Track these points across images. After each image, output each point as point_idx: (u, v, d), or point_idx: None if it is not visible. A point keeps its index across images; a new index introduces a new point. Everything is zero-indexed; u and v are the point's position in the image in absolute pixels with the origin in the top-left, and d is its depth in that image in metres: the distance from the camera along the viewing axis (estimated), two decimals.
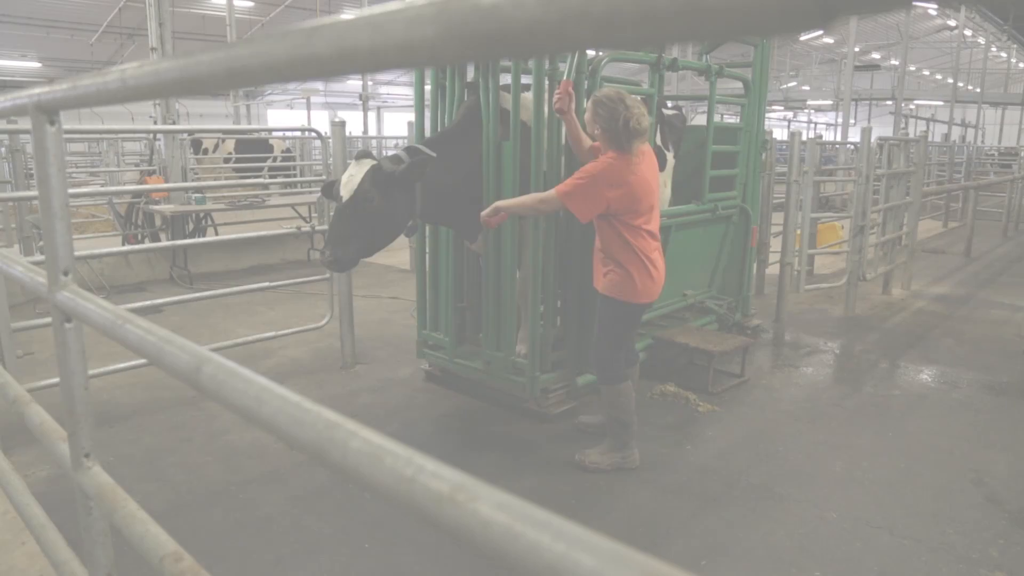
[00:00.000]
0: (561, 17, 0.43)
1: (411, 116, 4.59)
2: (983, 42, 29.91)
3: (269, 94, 33.16)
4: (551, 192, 3.47)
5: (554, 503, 3.32)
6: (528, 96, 3.97)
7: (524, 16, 0.45)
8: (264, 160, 12.89)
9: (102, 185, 11.04)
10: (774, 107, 35.62)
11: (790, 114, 38.67)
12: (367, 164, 3.66)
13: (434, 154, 3.77)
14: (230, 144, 12.31)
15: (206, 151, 12.60)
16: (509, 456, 3.82)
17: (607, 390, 3.65)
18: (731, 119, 8.54)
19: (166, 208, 7.88)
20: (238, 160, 12.16)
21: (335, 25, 0.62)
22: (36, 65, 25.82)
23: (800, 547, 3.00)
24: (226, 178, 11.68)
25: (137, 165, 13.19)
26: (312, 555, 2.90)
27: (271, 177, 12.54)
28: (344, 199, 3.61)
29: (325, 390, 4.74)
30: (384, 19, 0.56)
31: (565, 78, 4.04)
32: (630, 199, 3.38)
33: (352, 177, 3.62)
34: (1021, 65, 36.46)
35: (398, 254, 8.46)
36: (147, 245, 7.57)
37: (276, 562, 2.84)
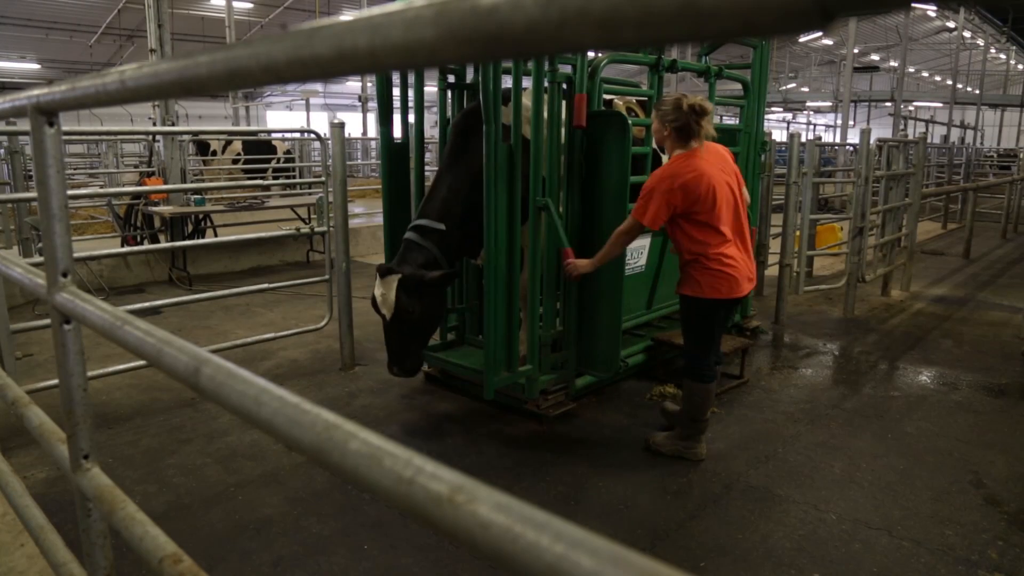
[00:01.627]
0: (560, 18, 0.43)
1: (411, 117, 4.57)
2: (982, 44, 29.97)
3: (268, 96, 33.18)
4: (627, 220, 3.63)
5: (553, 505, 3.32)
6: (528, 105, 3.97)
7: (523, 17, 0.45)
8: (268, 161, 12.91)
9: (101, 186, 11.03)
10: (773, 108, 35.67)
11: (789, 115, 38.71)
12: (394, 280, 3.78)
13: (442, 227, 3.95)
14: (238, 145, 12.33)
15: (214, 153, 12.61)
16: (508, 458, 3.81)
17: (687, 384, 3.76)
18: (730, 120, 8.53)
19: (165, 209, 7.88)
20: (245, 161, 12.19)
21: (334, 26, 0.62)
22: (35, 67, 25.84)
23: (799, 548, 3.00)
24: (233, 179, 11.69)
25: (136, 166, 13.20)
26: (312, 556, 2.90)
27: (274, 178, 12.56)
28: (388, 317, 3.82)
29: (324, 391, 4.74)
30: (383, 20, 0.56)
31: (578, 92, 4.05)
32: (689, 197, 3.44)
33: (385, 296, 3.79)
34: (1020, 67, 36.50)
35: None
36: (146, 247, 7.57)
37: (275, 563, 2.84)
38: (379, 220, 11.19)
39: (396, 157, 4.53)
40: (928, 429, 4.24)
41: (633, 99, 5.02)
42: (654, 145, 4.20)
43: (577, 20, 0.42)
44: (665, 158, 3.74)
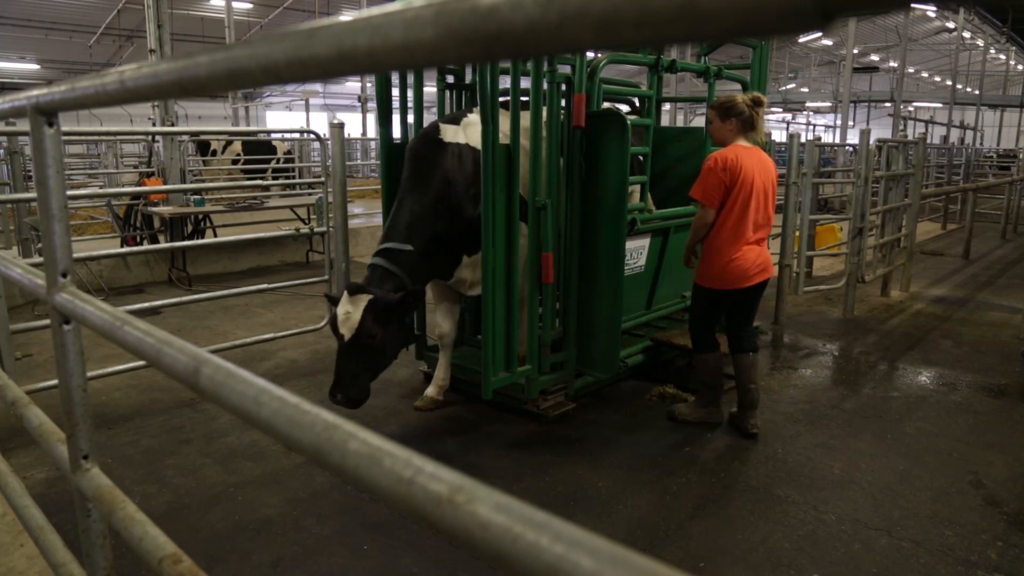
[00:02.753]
0: (560, 18, 0.43)
1: (411, 118, 4.57)
2: (982, 44, 29.98)
3: (268, 96, 33.18)
4: (696, 214, 3.96)
5: (552, 505, 3.32)
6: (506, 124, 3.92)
7: (523, 18, 0.45)
8: (268, 161, 12.91)
9: (101, 187, 11.03)
10: (773, 109, 35.67)
11: (789, 116, 38.72)
12: (363, 300, 3.60)
13: (411, 248, 3.83)
14: (238, 145, 12.33)
15: (215, 152, 12.61)
16: (507, 458, 3.81)
17: (695, 358, 4.23)
18: None
19: (164, 210, 7.88)
20: (245, 162, 12.19)
21: (334, 27, 0.62)
22: (35, 67, 25.84)
23: (799, 548, 3.00)
24: (233, 179, 11.69)
25: (136, 167, 13.20)
26: (311, 557, 2.89)
27: (274, 179, 12.56)
28: (347, 338, 3.61)
29: (324, 392, 4.71)
30: (383, 20, 0.56)
31: (577, 92, 4.06)
32: (725, 188, 3.80)
33: (350, 316, 3.60)
34: (1020, 67, 36.51)
35: None
36: (146, 247, 7.57)
37: (275, 564, 2.84)
38: (379, 220, 11.19)
39: (396, 157, 4.53)
40: (928, 430, 4.23)
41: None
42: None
43: (576, 20, 0.42)
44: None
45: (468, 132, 4.03)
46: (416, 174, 3.95)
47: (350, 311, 3.61)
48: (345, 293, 3.68)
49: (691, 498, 3.41)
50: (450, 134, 4.01)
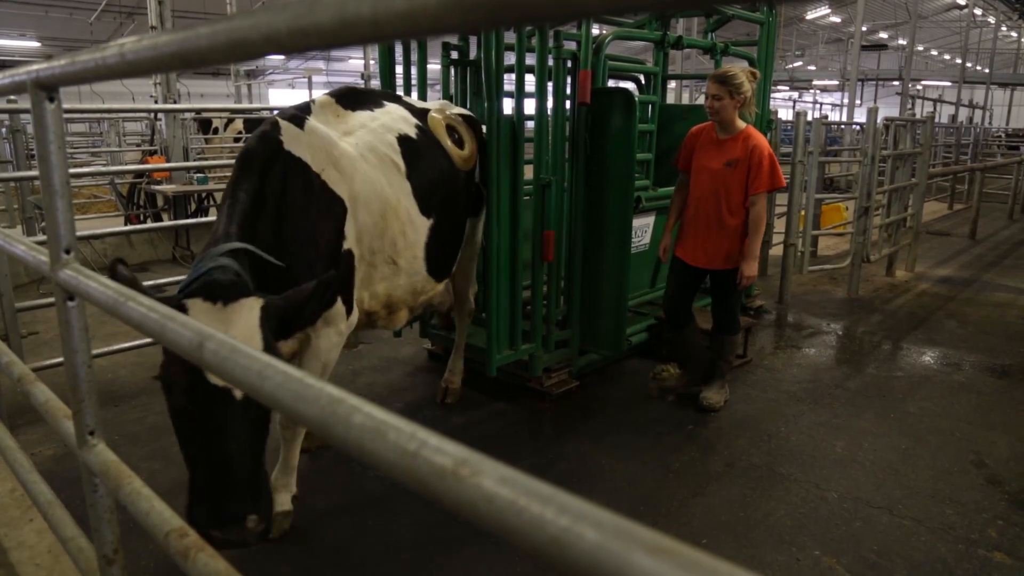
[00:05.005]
0: None
1: (414, 95, 4.53)
2: (993, 21, 29.57)
3: (270, 73, 32.99)
4: (757, 207, 3.78)
5: (556, 482, 3.33)
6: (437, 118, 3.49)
7: None
8: None
9: (104, 165, 11.01)
10: (779, 87, 35.34)
11: (795, 94, 38.37)
12: (250, 309, 2.10)
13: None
14: (240, 123, 12.27)
15: (216, 131, 12.56)
16: (511, 436, 3.83)
17: (728, 340, 4.15)
18: None
19: (168, 188, 7.87)
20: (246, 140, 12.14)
21: None
22: (35, 44, 25.68)
23: (800, 526, 3.01)
24: (235, 157, 11.64)
25: (139, 145, 13.16)
26: (314, 531, 2.92)
27: None
28: (237, 397, 1.99)
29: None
30: None
31: (583, 68, 4.01)
32: None
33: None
34: None
35: None
36: (149, 225, 7.56)
37: (280, 538, 2.87)
38: None
39: None
40: (930, 409, 4.24)
41: (456, 113, 3.74)
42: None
43: None
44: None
45: (310, 143, 2.77)
46: (243, 183, 2.60)
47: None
48: (197, 302, 2.10)
49: (694, 476, 3.42)
50: (290, 140, 2.73)
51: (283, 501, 2.88)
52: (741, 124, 3.80)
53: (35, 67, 1.34)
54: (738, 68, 3.78)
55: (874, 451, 3.69)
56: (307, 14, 0.63)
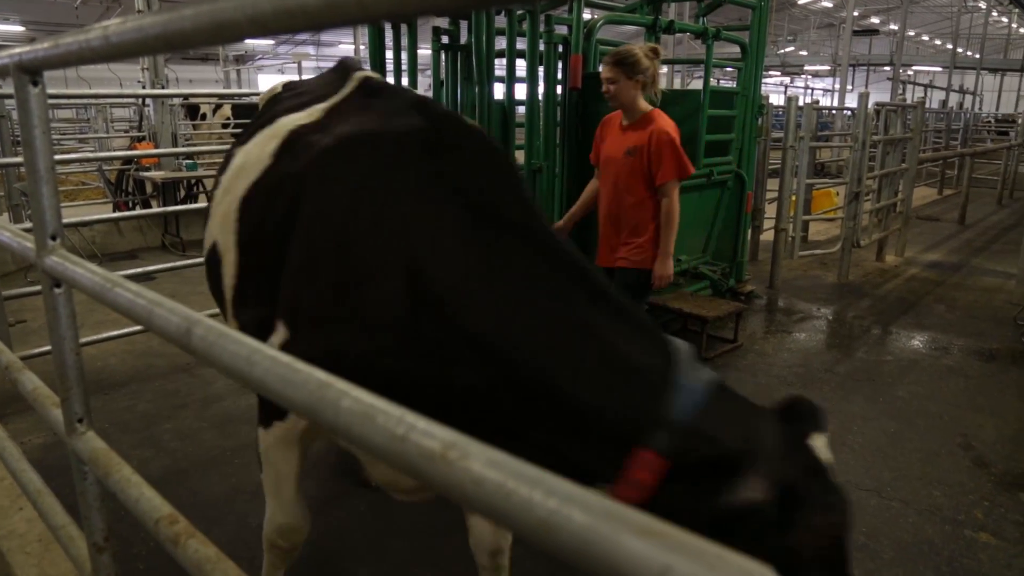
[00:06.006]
0: None
1: (404, 80, 4.50)
2: (984, 7, 29.56)
3: (259, 59, 32.70)
4: (668, 198, 3.36)
5: None
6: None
7: None
8: None
9: (91, 152, 10.90)
10: (771, 72, 35.29)
11: (787, 79, 38.35)
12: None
13: None
14: (227, 109, 12.18)
15: (203, 116, 12.46)
16: None
17: None
18: (728, 84, 8.44)
19: (156, 175, 7.81)
20: (235, 126, 12.05)
21: None
22: (19, 28, 25.33)
23: None
24: (224, 143, 11.58)
25: (127, 131, 13.04)
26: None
27: None
28: None
29: None
30: None
31: (574, 53, 3.99)
32: None
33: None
34: (1022, 30, 36.08)
35: None
36: (138, 212, 7.51)
37: None
38: None
39: None
40: (919, 393, 4.27)
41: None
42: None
43: None
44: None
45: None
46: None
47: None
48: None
49: None
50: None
51: None
52: (645, 107, 3.39)
53: (18, 50, 1.32)
54: (635, 46, 3.38)
55: (863, 434, 3.72)
56: None
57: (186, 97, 11.56)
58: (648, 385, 1.47)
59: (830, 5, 34.26)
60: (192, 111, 12.52)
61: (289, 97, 2.32)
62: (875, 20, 35.56)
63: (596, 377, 1.47)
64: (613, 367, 1.48)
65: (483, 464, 0.51)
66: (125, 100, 14.00)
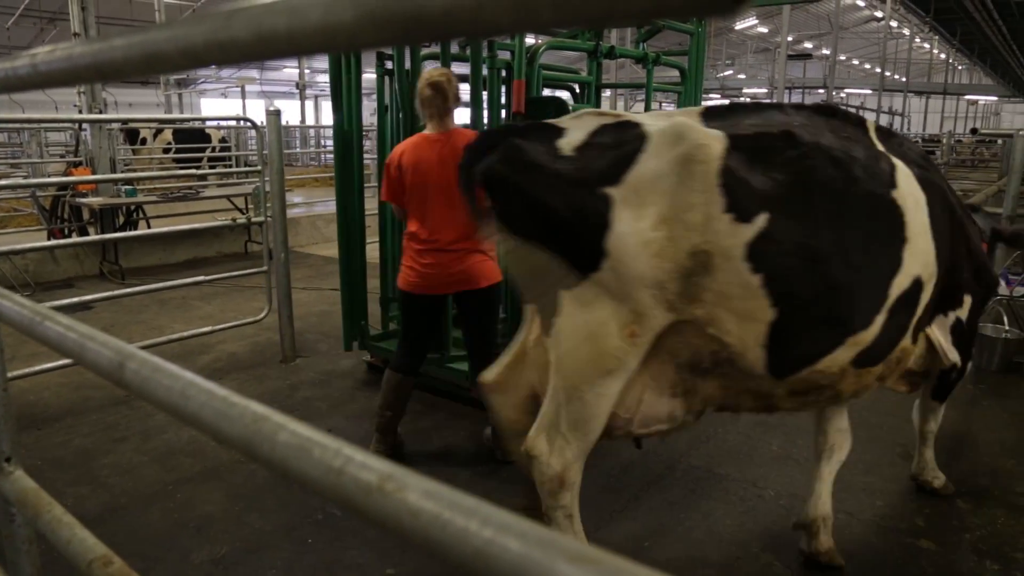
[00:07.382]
0: (478, 0, 0.43)
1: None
2: (908, 33, 31.09)
3: (202, 83, 32.15)
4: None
5: (496, 492, 3.34)
6: None
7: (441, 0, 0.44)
8: (202, 150, 12.54)
9: (24, 177, 10.53)
10: (711, 95, 36.30)
11: (726, 102, 39.48)
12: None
13: None
14: (168, 134, 11.94)
15: (143, 141, 12.19)
16: (451, 448, 3.81)
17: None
18: (668, 107, 8.65)
19: (94, 201, 7.58)
20: (177, 150, 11.82)
21: (252, 9, 0.60)
22: None
23: (740, 524, 3.09)
24: (164, 168, 11.33)
25: (63, 156, 12.64)
26: (254, 553, 2.84)
27: (210, 167, 12.22)
28: None
29: (265, 385, 4.64)
30: (302, 3, 0.54)
31: (516, 78, 4.04)
32: (397, 186, 3.36)
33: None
34: (943, 56, 38.01)
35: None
36: (74, 239, 7.27)
37: (217, 561, 2.78)
38: (319, 209, 10.99)
39: (350, 144, 4.47)
40: (859, 404, 4.38)
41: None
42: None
43: (494, 1, 0.42)
44: None
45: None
46: None
47: None
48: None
49: (634, 480, 3.47)
50: None
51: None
52: (419, 134, 3.44)
53: None
54: (424, 78, 3.32)
55: (808, 447, 3.79)
56: (224, 28, 0.62)
57: (125, 122, 11.30)
58: None
59: (766, 31, 35.57)
60: (132, 136, 12.24)
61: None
62: (808, 45, 37.04)
63: None
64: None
65: (419, 495, 0.51)
66: (61, 125, 13.60)
